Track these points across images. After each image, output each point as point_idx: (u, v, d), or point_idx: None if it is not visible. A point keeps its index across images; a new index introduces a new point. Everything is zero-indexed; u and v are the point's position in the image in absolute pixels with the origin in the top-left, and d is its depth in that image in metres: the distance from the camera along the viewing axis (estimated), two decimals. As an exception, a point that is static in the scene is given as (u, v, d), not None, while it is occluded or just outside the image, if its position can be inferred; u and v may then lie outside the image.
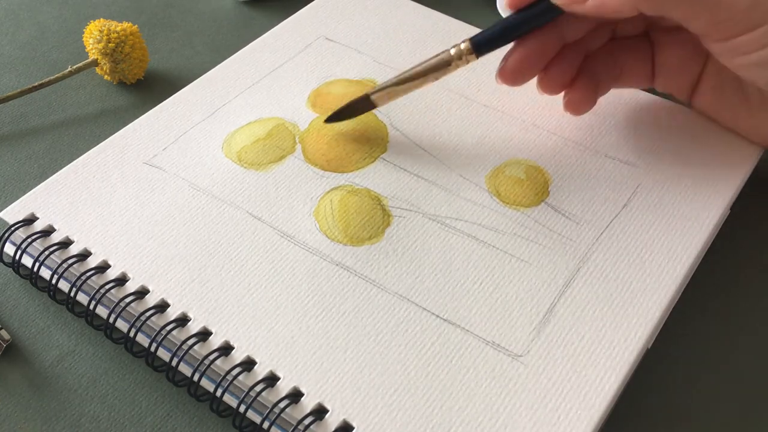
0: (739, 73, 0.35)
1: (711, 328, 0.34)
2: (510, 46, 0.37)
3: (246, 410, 0.29)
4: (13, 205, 0.36)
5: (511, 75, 0.37)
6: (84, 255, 0.34)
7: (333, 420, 0.29)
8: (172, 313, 0.32)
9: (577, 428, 0.28)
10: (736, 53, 0.34)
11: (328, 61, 0.44)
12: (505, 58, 0.37)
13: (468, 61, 0.36)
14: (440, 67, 0.37)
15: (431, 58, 0.37)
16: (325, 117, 0.39)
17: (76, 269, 0.34)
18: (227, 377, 0.30)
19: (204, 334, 0.31)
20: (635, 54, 0.39)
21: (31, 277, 0.34)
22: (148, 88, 0.46)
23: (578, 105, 0.38)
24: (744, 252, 0.37)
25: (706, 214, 0.36)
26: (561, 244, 0.35)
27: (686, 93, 0.40)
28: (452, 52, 0.36)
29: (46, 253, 0.34)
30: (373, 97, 0.38)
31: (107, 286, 0.33)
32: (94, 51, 0.45)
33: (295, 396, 0.29)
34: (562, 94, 0.38)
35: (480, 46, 0.36)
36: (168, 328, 0.31)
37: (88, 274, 0.33)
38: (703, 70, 0.38)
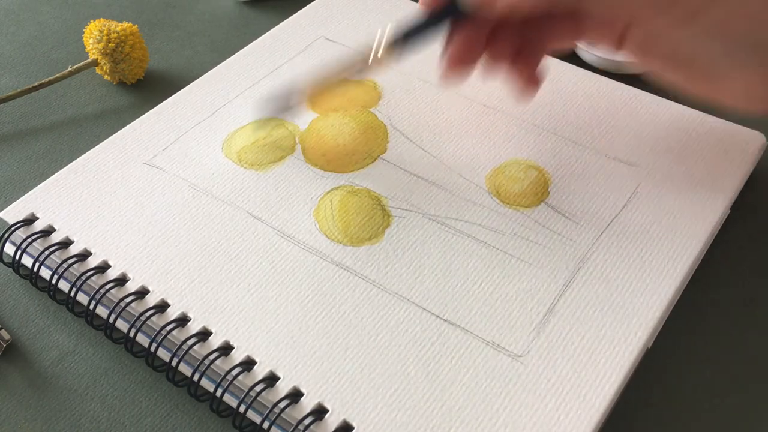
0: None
1: (711, 328, 0.34)
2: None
3: (246, 410, 0.29)
4: (13, 205, 0.36)
5: (454, 64, 0.36)
6: (84, 255, 0.34)
7: (333, 420, 0.29)
8: (172, 313, 0.32)
9: (577, 428, 0.28)
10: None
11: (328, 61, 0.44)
12: (444, 52, 0.36)
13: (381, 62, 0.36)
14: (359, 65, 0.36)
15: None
16: (324, 118, 0.39)
17: (76, 269, 0.34)
18: (227, 377, 0.30)
19: (204, 334, 0.31)
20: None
21: (31, 277, 0.34)
22: (148, 88, 0.46)
23: (526, 81, 0.37)
24: (744, 252, 0.37)
25: (706, 214, 0.36)
26: (561, 244, 0.35)
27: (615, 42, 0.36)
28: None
29: (46, 253, 0.34)
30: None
31: (107, 286, 0.33)
32: (94, 51, 0.45)
33: (295, 396, 0.29)
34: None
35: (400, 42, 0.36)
36: (168, 328, 0.31)
37: (88, 274, 0.33)
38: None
